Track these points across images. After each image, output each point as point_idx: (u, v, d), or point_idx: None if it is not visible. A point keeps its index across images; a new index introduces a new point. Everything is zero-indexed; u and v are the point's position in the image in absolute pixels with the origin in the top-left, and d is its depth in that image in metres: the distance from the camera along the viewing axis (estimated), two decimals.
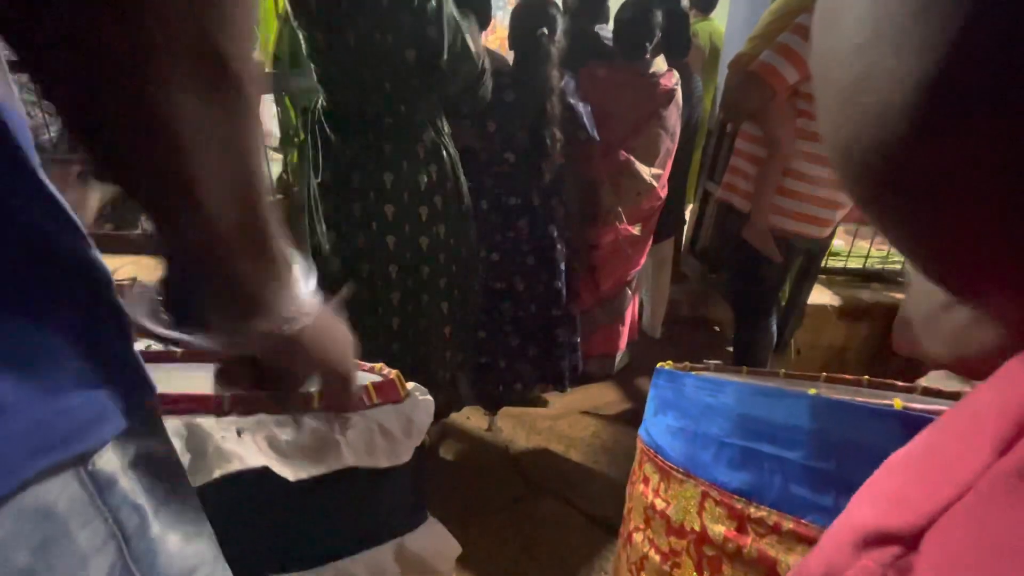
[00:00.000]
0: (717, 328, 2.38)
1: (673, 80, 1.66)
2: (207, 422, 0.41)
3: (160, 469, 0.28)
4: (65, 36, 0.19)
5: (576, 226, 1.70)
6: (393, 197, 1.28)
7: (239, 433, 0.41)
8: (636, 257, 1.84)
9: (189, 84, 0.21)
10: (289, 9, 1.20)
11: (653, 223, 1.83)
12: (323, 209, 1.30)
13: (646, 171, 1.70)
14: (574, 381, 1.85)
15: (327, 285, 1.38)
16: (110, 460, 0.25)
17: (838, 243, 2.24)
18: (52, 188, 0.24)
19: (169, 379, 0.73)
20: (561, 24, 1.48)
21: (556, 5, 1.52)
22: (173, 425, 0.40)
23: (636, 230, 1.77)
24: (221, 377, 0.33)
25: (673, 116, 1.68)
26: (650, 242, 1.88)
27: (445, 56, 1.24)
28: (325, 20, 1.16)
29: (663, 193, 1.79)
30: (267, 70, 2.06)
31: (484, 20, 1.83)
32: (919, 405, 0.45)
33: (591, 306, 1.86)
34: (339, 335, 0.36)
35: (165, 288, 0.31)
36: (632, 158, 1.67)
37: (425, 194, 1.31)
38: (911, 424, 0.43)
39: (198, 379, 0.73)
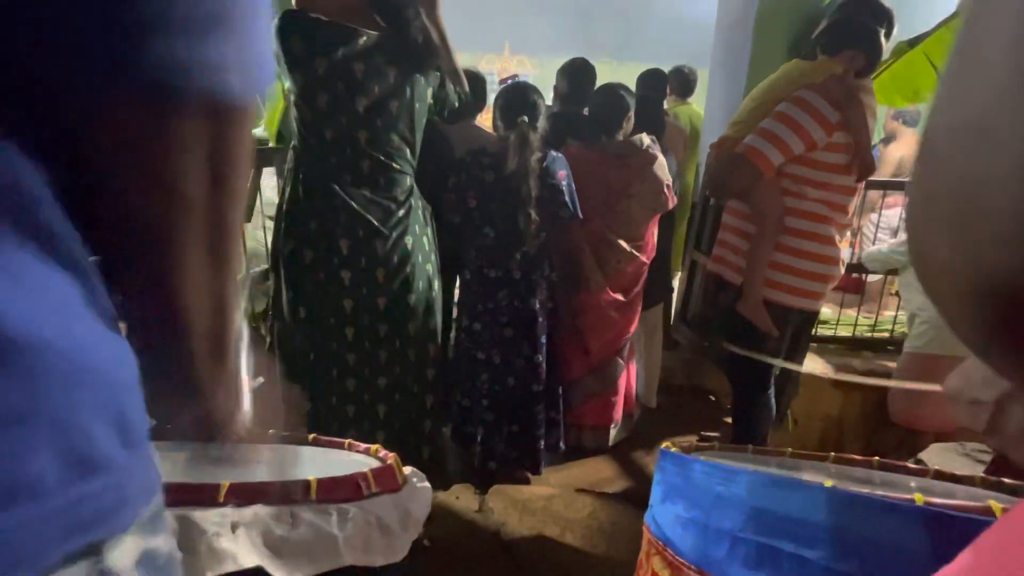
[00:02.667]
0: (713, 397, 2.35)
1: (647, 157, 1.72)
2: (201, 515, 0.39)
3: (163, 570, 0.28)
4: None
5: (560, 295, 1.72)
6: (414, 258, 1.37)
7: (233, 528, 0.38)
8: (624, 321, 1.85)
9: (194, 247, 0.28)
10: (294, 89, 1.26)
11: (640, 287, 1.86)
12: (338, 276, 1.32)
13: (625, 243, 1.75)
14: (562, 457, 1.80)
15: (316, 346, 1.35)
16: (120, 557, 0.25)
17: (826, 311, 2.27)
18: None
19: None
20: (543, 110, 1.58)
21: (538, 92, 1.62)
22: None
23: (619, 295, 1.80)
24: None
25: (650, 185, 1.72)
26: (639, 308, 1.90)
27: (445, 110, 1.43)
28: (362, 90, 1.23)
29: (649, 256, 1.82)
30: (271, 145, 2.14)
31: (480, 103, 1.95)
32: (938, 500, 0.43)
33: (582, 375, 1.84)
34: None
35: None
36: (608, 230, 1.72)
37: (430, 253, 1.42)
38: (933, 521, 0.42)
39: (184, 460, 0.69)
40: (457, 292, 1.80)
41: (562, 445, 1.78)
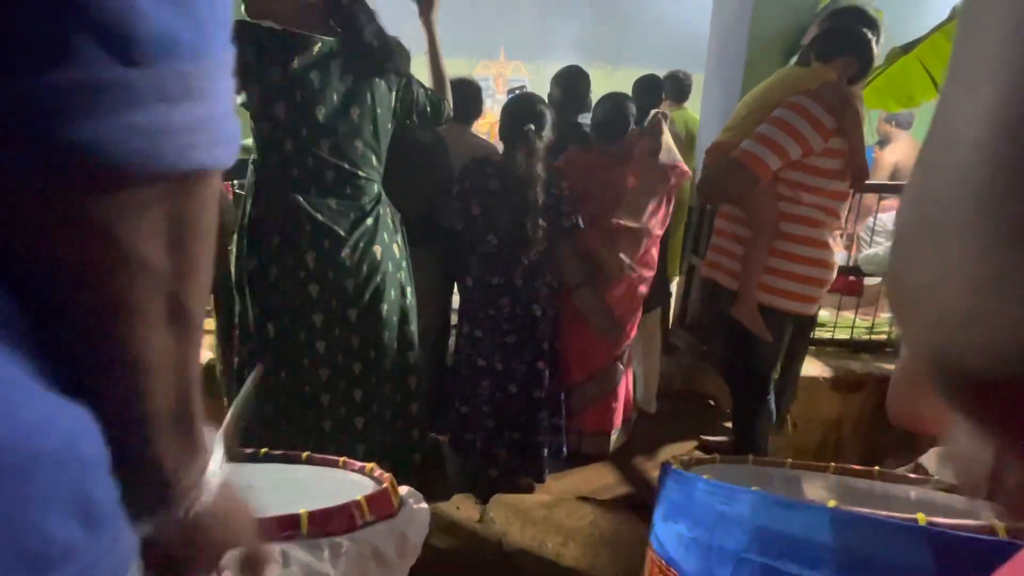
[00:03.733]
0: (712, 402, 2.34)
1: (645, 147, 1.71)
2: None
3: None
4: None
5: (589, 292, 1.71)
6: (384, 267, 1.33)
7: (220, 572, 0.37)
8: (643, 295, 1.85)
9: (155, 324, 0.26)
10: (250, 102, 1.20)
11: (657, 256, 1.85)
12: (306, 290, 1.30)
13: (634, 223, 1.73)
14: (563, 464, 1.79)
15: (287, 363, 1.31)
16: None
17: (824, 313, 2.28)
18: None
19: None
20: (549, 120, 1.58)
21: (544, 102, 1.63)
22: (144, 567, 0.36)
23: (645, 270, 1.80)
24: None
25: (652, 174, 1.71)
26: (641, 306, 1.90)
27: (414, 117, 1.39)
28: (306, 109, 1.20)
29: (661, 228, 1.81)
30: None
31: (475, 110, 1.95)
32: (942, 520, 0.43)
33: (582, 380, 1.83)
34: (243, 514, 0.37)
35: None
36: (618, 220, 1.71)
37: (401, 261, 1.39)
38: (936, 541, 0.41)
39: None
40: (456, 299, 1.79)
41: (564, 452, 1.77)
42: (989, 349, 0.13)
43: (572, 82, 1.96)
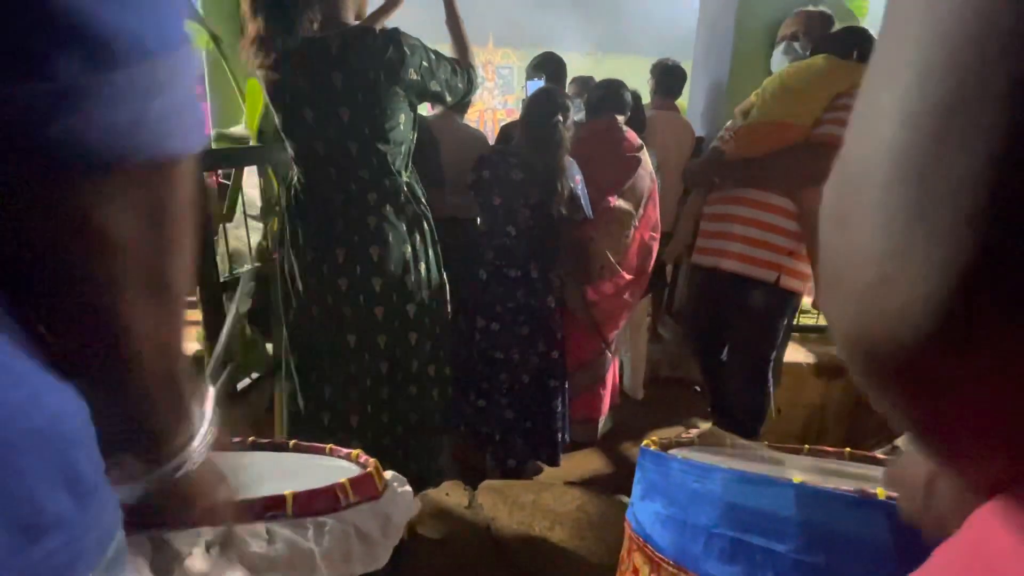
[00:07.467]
0: (698, 388, 2.38)
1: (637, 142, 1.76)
2: (174, 536, 0.39)
3: None
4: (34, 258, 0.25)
5: (572, 288, 1.73)
6: (380, 270, 1.28)
7: (208, 548, 0.39)
8: (634, 301, 1.87)
9: (139, 301, 0.27)
10: (265, 91, 1.24)
11: (648, 266, 1.86)
12: (307, 284, 1.29)
13: (627, 204, 1.75)
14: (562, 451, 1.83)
15: (309, 357, 1.34)
16: None
17: (807, 300, 2.31)
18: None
19: None
20: (572, 112, 1.59)
21: (567, 95, 1.64)
22: (138, 541, 0.37)
23: (650, 232, 1.82)
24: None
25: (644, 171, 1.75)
26: (643, 292, 1.92)
27: (448, 97, 1.35)
28: (309, 100, 1.19)
29: (646, 241, 1.83)
30: (252, 143, 2.11)
31: (467, 100, 1.94)
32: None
33: (572, 370, 1.85)
34: (223, 486, 0.39)
35: None
36: (619, 202, 1.73)
37: (410, 263, 1.31)
38: (895, 514, 0.43)
39: None
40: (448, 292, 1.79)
41: (567, 438, 1.79)
42: (894, 315, 0.14)
43: (550, 68, 1.98)
